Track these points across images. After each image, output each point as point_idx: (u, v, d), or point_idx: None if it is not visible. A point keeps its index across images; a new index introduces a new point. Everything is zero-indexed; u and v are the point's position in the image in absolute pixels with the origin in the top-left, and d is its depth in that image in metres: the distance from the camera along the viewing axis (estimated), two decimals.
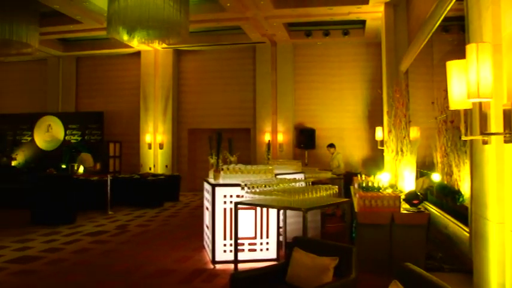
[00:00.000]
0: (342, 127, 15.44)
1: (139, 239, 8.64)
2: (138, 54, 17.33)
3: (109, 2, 10.13)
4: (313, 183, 6.66)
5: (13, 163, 17.16)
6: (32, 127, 18.08)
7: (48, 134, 17.84)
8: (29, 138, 18.16)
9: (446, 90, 3.75)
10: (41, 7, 12.67)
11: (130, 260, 7.03)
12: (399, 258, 5.55)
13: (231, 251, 6.52)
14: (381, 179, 7.69)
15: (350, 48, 15.69)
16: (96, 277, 6.14)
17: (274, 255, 6.77)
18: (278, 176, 7.02)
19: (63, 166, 15.38)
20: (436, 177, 6.90)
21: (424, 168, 8.46)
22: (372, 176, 8.16)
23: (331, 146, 13.23)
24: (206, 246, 7.37)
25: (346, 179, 11.03)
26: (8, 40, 11.92)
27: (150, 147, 16.85)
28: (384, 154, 9.98)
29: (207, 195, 7.12)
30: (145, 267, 6.55)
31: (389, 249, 5.91)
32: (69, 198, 10.36)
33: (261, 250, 6.76)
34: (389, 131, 9.11)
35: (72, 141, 17.35)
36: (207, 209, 7.14)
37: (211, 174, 7.14)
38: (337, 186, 6.10)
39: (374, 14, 12.60)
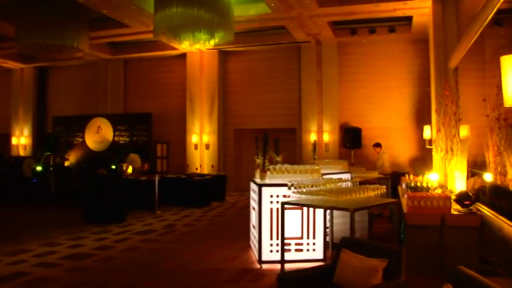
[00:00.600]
0: (389, 126, 15.15)
1: (187, 238, 8.77)
2: (184, 56, 17.59)
3: (155, 6, 10.35)
4: (360, 183, 6.56)
5: (66, 163, 17.75)
6: (83, 129, 18.67)
7: (98, 135, 18.38)
8: (80, 140, 18.76)
9: (499, 87, 3.63)
10: (90, 13, 13.07)
11: (178, 258, 7.15)
12: (450, 261, 5.40)
13: (277, 251, 6.52)
14: (430, 179, 7.51)
15: (396, 45, 15.38)
16: (144, 275, 6.27)
17: (320, 256, 6.73)
18: (324, 176, 6.96)
19: (113, 166, 15.77)
20: (489, 177, 6.67)
21: (475, 167, 8.20)
22: (420, 176, 7.98)
23: (377, 145, 13.02)
24: (252, 245, 7.40)
25: (393, 179, 10.82)
26: (61, 45, 12.38)
27: (196, 148, 17.07)
28: (433, 153, 9.73)
29: (254, 195, 7.14)
30: (193, 266, 6.64)
31: (440, 252, 5.76)
32: (119, 197, 10.65)
33: (308, 250, 6.73)
34: (438, 130, 8.88)
35: (120, 142, 17.80)
36: (254, 208, 7.16)
37: (257, 174, 7.16)
38: (384, 187, 6.00)
39: (421, 9, 12.30)
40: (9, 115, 20.78)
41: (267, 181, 6.71)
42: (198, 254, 7.43)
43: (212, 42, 11.22)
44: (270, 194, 6.60)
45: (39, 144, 18.64)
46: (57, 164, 15.96)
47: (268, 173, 6.78)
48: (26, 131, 20.36)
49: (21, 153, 19.99)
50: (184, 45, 12.36)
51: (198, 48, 16.29)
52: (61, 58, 14.55)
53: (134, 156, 14.93)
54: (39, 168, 14.58)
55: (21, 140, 20.36)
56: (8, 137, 20.82)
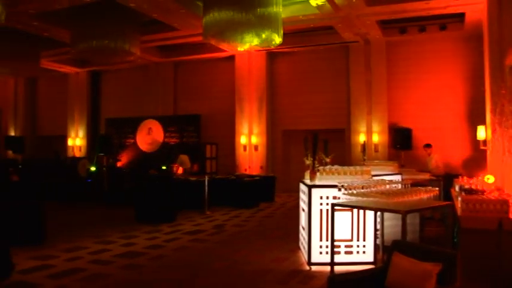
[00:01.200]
0: (440, 126, 14.74)
1: (236, 239, 8.84)
2: (232, 58, 17.75)
3: (204, 9, 10.49)
4: (412, 185, 6.43)
5: (118, 164, 18.25)
6: (135, 130, 19.16)
7: (149, 136, 18.81)
8: (132, 141, 19.26)
9: None
10: (141, 17, 13.39)
11: (227, 258, 7.22)
12: (508, 268, 5.20)
13: (327, 252, 6.48)
14: (485, 181, 7.26)
15: (448, 43, 14.96)
16: (194, 274, 6.37)
17: (371, 259, 6.64)
18: (375, 178, 6.86)
19: (163, 167, 16.09)
20: None
21: None
22: (475, 178, 7.73)
23: (428, 146, 12.70)
24: (302, 247, 7.38)
25: (446, 181, 10.52)
26: (114, 49, 12.74)
27: (245, 149, 17.18)
28: (488, 154, 9.41)
29: (303, 196, 7.13)
30: (242, 267, 6.69)
31: (498, 258, 5.55)
32: (170, 198, 10.86)
33: (358, 253, 6.66)
34: (494, 130, 8.58)
35: (170, 143, 18.15)
36: (303, 210, 7.15)
37: (307, 175, 7.13)
38: (437, 189, 5.85)
39: (475, 5, 11.91)
40: (66, 117, 21.59)
41: (317, 182, 6.68)
42: (247, 254, 7.48)
43: (260, 44, 11.28)
44: (319, 195, 6.57)
45: (93, 145, 19.27)
46: (110, 164, 16.42)
47: (318, 174, 6.75)
48: (81, 133, 21.08)
49: (77, 154, 20.72)
50: (233, 48, 12.47)
51: (247, 50, 16.37)
52: (113, 62, 15.00)
53: (184, 157, 15.12)
54: (93, 168, 15.06)
55: (77, 141, 21.10)
56: (64, 138, 21.64)
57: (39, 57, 16.02)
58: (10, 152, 20.26)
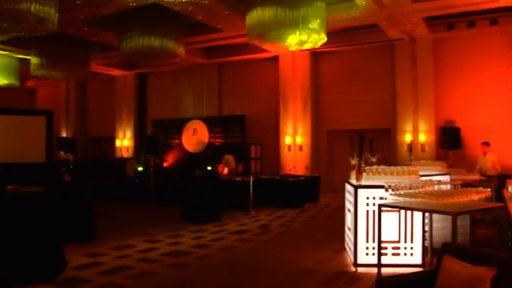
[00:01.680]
0: (492, 125, 14.23)
1: (281, 239, 8.84)
2: (276, 58, 17.74)
3: (247, 9, 10.53)
4: (461, 185, 6.24)
5: (164, 164, 18.58)
6: (180, 131, 19.45)
7: (195, 137, 19.05)
8: (178, 141, 19.56)
9: None
10: (186, 19, 13.58)
11: (272, 258, 7.21)
12: None
13: (373, 254, 6.38)
14: None
15: (499, 38, 14.44)
16: (240, 273, 6.40)
17: (419, 261, 6.48)
18: (422, 178, 6.70)
19: (209, 168, 16.26)
20: None
21: None
22: None
23: (486, 144, 12.13)
24: (348, 248, 7.30)
25: (498, 181, 10.14)
26: (160, 52, 12.98)
27: (289, 149, 17.14)
28: None
29: (349, 197, 7.05)
30: (287, 267, 6.67)
31: None
32: (215, 198, 10.95)
33: (405, 255, 6.52)
34: None
35: (216, 143, 18.32)
36: (349, 210, 7.06)
37: (353, 175, 7.04)
38: (489, 190, 5.66)
39: None
40: (114, 119, 22.16)
41: (363, 182, 6.59)
42: (292, 254, 7.46)
43: (304, 43, 11.23)
44: (366, 195, 6.47)
45: (140, 146, 19.69)
46: (156, 164, 16.76)
47: (364, 174, 6.65)
48: (129, 134, 21.58)
49: (124, 154, 21.22)
50: (277, 48, 12.48)
51: (291, 50, 16.33)
52: (159, 64, 15.26)
53: (229, 158, 15.27)
54: (140, 168, 15.40)
55: (124, 142, 21.61)
56: (112, 139, 22.21)
57: (89, 61, 16.50)
58: (62, 153, 20.95)
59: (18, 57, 18.08)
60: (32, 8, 9.41)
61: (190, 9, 12.37)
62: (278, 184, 13.65)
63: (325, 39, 10.70)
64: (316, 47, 11.92)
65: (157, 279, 6.14)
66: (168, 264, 6.89)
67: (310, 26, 9.92)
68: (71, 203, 8.31)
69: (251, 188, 12.28)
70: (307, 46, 11.31)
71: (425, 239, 6.70)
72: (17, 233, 5.78)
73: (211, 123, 18.78)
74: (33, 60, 15.24)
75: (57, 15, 10.15)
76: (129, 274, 6.31)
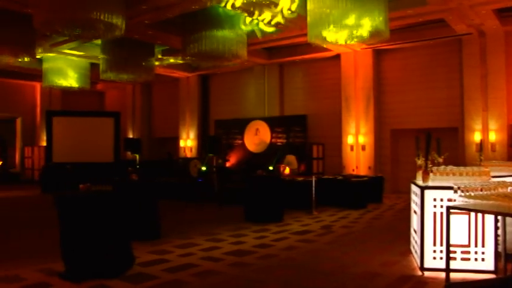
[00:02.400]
0: None
1: (344, 240, 8.70)
2: (337, 56, 17.56)
3: (308, 8, 10.45)
4: None
5: (227, 164, 18.81)
6: (243, 131, 19.63)
7: (257, 137, 19.17)
8: (240, 142, 19.75)
9: None
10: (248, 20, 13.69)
11: (335, 260, 7.12)
12: None
13: (441, 258, 6.14)
14: None
15: None
16: (302, 274, 6.35)
17: (491, 267, 6.17)
18: (494, 179, 6.39)
19: (270, 167, 16.31)
20: None
21: None
22: None
23: None
24: (413, 251, 7.07)
25: None
26: (222, 53, 13.17)
27: (352, 149, 16.90)
28: None
29: (415, 198, 6.83)
30: (351, 269, 6.56)
31: None
32: (278, 197, 10.96)
33: (476, 260, 6.22)
34: None
35: (277, 143, 18.34)
36: (415, 212, 6.85)
37: (419, 176, 6.82)
38: None
39: None
40: (177, 120, 22.71)
41: (430, 183, 6.37)
42: (356, 256, 7.33)
43: (366, 41, 11.04)
44: (433, 197, 6.24)
45: (203, 146, 20.04)
46: (219, 164, 16.98)
47: (431, 174, 6.43)
48: (192, 134, 22.04)
49: (188, 154, 21.70)
50: (338, 46, 12.31)
51: (352, 48, 16.11)
52: (222, 65, 15.49)
53: (291, 158, 15.26)
54: (203, 168, 15.66)
55: (188, 142, 22.09)
56: (176, 140, 22.77)
57: (154, 64, 16.98)
58: (129, 153, 21.70)
59: (89, 62, 18.92)
60: (102, 16, 9.82)
61: (251, 9, 12.44)
62: (341, 184, 13.48)
63: (388, 36, 10.43)
64: (379, 44, 11.68)
65: (221, 278, 6.21)
66: (231, 263, 6.95)
67: (371, 24, 9.71)
68: (138, 202, 8.57)
69: (313, 188, 12.19)
70: (369, 43, 11.09)
71: (498, 244, 6.38)
72: (90, 229, 6.03)
73: (273, 123, 18.84)
74: (102, 64, 15.88)
75: (124, 21, 10.54)
76: (193, 272, 6.41)
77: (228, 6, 11.40)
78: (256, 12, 11.96)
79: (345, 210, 12.61)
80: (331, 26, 9.86)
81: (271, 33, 13.63)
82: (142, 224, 8.52)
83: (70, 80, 18.53)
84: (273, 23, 12.61)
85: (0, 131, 25.26)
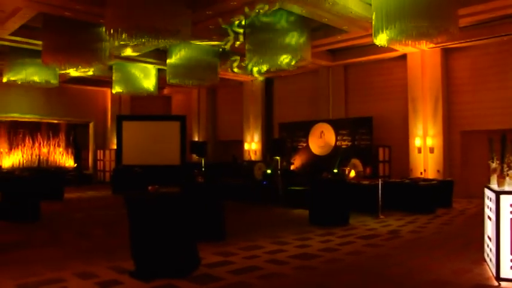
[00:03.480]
0: None
1: (412, 246, 8.45)
2: (403, 57, 17.11)
3: (373, 8, 10.27)
4: None
5: (291, 167, 18.79)
6: (307, 134, 19.56)
7: (321, 140, 19.03)
8: (304, 144, 19.68)
9: None
10: (311, 22, 13.63)
11: (403, 266, 6.93)
12: None
13: None
14: None
15: None
16: (369, 280, 6.23)
17: None
18: None
19: (335, 170, 16.14)
20: None
21: None
22: None
23: None
24: (488, 259, 6.75)
25: None
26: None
27: (419, 151, 16.39)
28: None
29: (489, 203, 6.52)
30: (419, 276, 6.35)
31: None
32: (343, 201, 10.82)
33: None
34: None
35: (342, 146, 18.12)
36: (489, 218, 6.53)
37: (493, 180, 6.50)
38: None
39: None
40: (241, 123, 22.95)
41: (506, 188, 6.05)
42: (425, 263, 7.09)
43: (434, 39, 10.71)
44: (510, 202, 5.93)
45: (267, 149, 20.13)
46: (284, 167, 16.98)
47: (507, 178, 6.11)
48: (256, 137, 22.19)
49: (252, 157, 21.86)
50: (405, 46, 12.01)
51: (419, 47, 15.64)
52: (286, 68, 15.49)
53: (356, 161, 15.07)
54: (268, 171, 15.74)
55: (252, 145, 22.27)
56: (241, 143, 23.01)
57: (219, 68, 17.25)
58: (194, 156, 22.16)
59: (156, 68, 19.53)
60: (168, 23, 10.11)
61: (316, 12, 12.40)
62: (408, 188, 13.11)
63: (457, 34, 10.04)
64: (447, 43, 11.25)
65: (286, 281, 6.20)
66: (296, 266, 6.92)
67: (439, 21, 9.40)
68: (204, 204, 8.74)
69: (380, 191, 11.94)
70: (437, 41, 10.73)
71: None
72: (158, 229, 6.21)
73: (337, 125, 18.63)
74: (169, 69, 16.34)
75: (189, 27, 10.79)
76: (258, 274, 6.45)
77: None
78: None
79: (413, 214, 12.25)
80: (398, 26, 9.62)
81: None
82: (207, 226, 8.67)
83: (138, 85, 19.19)
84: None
85: (75, 135, 26.59)
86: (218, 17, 12.90)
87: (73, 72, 14.60)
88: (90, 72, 14.29)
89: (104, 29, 10.84)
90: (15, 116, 23.10)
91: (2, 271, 6.60)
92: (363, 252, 7.93)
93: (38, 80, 16.98)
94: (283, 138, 19.72)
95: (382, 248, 8.26)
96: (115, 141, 24.08)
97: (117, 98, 25.28)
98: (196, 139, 25.06)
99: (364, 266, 7.00)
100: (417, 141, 16.44)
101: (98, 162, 25.54)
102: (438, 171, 15.92)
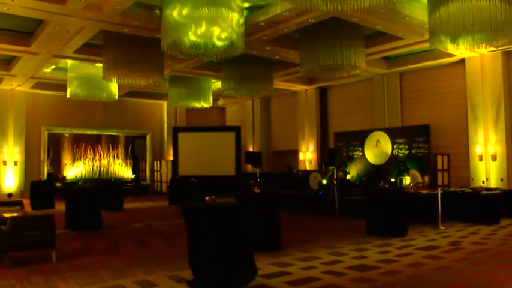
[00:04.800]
0: None
1: (476, 258, 8.12)
2: (462, 62, 16.58)
3: (429, 14, 10.05)
4: None
5: (347, 177, 18.56)
6: (363, 143, 19.30)
7: (377, 148, 18.72)
8: (360, 154, 19.42)
9: None
10: (364, 30, 13.50)
11: (466, 280, 6.67)
12: None
13: None
14: None
15: None
16: None
17: None
18: None
19: (392, 180, 15.83)
20: None
21: None
22: None
23: None
24: None
25: None
26: (340, 64, 13.10)
27: (481, 159, 15.77)
28: None
29: None
30: None
31: None
32: (401, 211, 10.57)
33: None
34: None
35: (399, 155, 17.74)
36: None
37: None
38: None
39: None
40: (296, 133, 22.93)
41: None
42: (490, 277, 6.80)
43: (495, 43, 10.35)
44: None
45: (323, 158, 20.00)
46: (339, 177, 16.81)
47: None
48: (311, 147, 22.09)
49: (307, 167, 21.76)
50: (463, 51, 11.66)
51: (479, 51, 15.12)
52: (340, 77, 15.43)
53: (414, 171, 14.79)
54: (324, 181, 15.62)
55: (307, 155, 22.17)
56: (296, 152, 22.97)
57: (272, 78, 17.35)
58: (249, 166, 22.32)
59: (211, 80, 19.88)
60: (222, 35, 10.29)
61: (368, 19, 12.27)
62: (469, 197, 12.65)
63: None
64: (508, 46, 10.83)
65: None
66: (354, 278, 6.81)
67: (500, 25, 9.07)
68: (260, 214, 8.77)
69: (439, 201, 11.58)
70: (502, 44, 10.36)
71: None
72: (216, 239, 6.29)
73: (394, 133, 18.29)
74: (223, 81, 16.58)
75: (243, 38, 10.93)
76: (315, 286, 6.39)
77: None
78: None
79: (475, 225, 11.80)
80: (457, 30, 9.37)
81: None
82: (263, 236, 8.69)
83: (193, 97, 19.57)
84: None
85: (133, 147, 27.44)
86: (271, 28, 13.02)
87: (132, 84, 15.12)
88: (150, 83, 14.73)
89: (161, 43, 11.13)
90: (78, 130, 24.16)
91: (68, 278, 6.89)
92: (423, 264, 7.70)
93: (99, 95, 17.67)
94: (338, 147, 19.54)
95: (443, 260, 7.99)
96: (171, 152, 24.64)
97: (173, 110, 25.87)
98: (251, 149, 25.23)
99: (425, 278, 6.80)
100: (478, 149, 15.83)
101: (155, 173, 26.19)
102: (501, 179, 15.26)
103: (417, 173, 14.97)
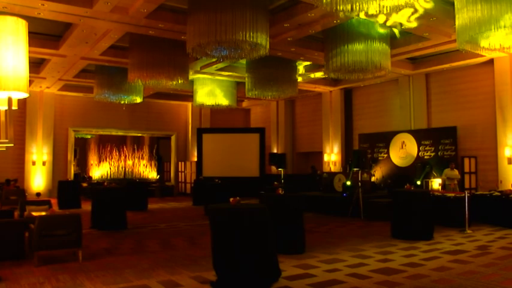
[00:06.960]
0: None
1: (504, 263, 7.94)
2: (490, 62, 16.26)
3: (456, 13, 9.87)
4: None
5: (372, 179, 18.40)
6: (388, 145, 19.10)
7: (403, 150, 18.52)
8: (385, 156, 19.23)
9: None
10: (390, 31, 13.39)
11: (494, 285, 6.53)
12: None
13: None
14: None
15: None
16: None
17: None
18: None
19: (418, 182, 15.63)
20: None
21: None
22: None
23: None
24: None
25: None
26: (365, 66, 13.01)
27: (509, 162, 15.43)
28: None
29: None
30: None
31: None
32: (427, 214, 10.42)
33: None
34: None
35: (425, 157, 17.51)
36: None
37: None
38: None
39: None
40: (320, 134, 22.84)
41: None
42: None
43: None
44: None
45: (347, 160, 19.87)
46: (364, 179, 16.67)
47: None
48: (336, 148, 21.97)
49: (332, 169, 21.64)
50: (492, 51, 11.42)
51: (508, 52, 14.80)
52: (365, 78, 15.32)
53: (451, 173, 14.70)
54: (348, 183, 15.51)
55: (332, 156, 22.06)
56: (320, 154, 22.88)
57: (296, 80, 17.31)
58: (273, 168, 22.29)
59: (235, 81, 19.94)
60: (248, 36, 10.32)
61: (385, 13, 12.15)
62: (498, 201, 12.39)
63: None
64: None
65: None
66: (379, 281, 6.74)
67: None
68: (284, 215, 8.76)
69: (466, 204, 11.38)
70: None
71: None
72: (240, 241, 6.30)
73: (419, 135, 18.06)
74: (248, 82, 16.61)
75: (268, 39, 10.95)
76: None
77: (362, 15, 11.17)
78: (394, 14, 11.56)
79: (503, 229, 11.55)
80: (485, 29, 9.18)
81: (414, 28, 12.85)
82: (287, 238, 8.67)
83: (218, 99, 19.67)
84: (412, 18, 12.07)
85: (158, 148, 27.71)
86: (296, 30, 13.00)
87: (159, 86, 15.27)
88: (174, 84, 14.83)
89: (186, 45, 11.23)
90: (104, 131, 24.51)
91: (94, 276, 7.00)
92: (449, 268, 7.57)
93: (125, 97, 17.88)
94: (363, 149, 19.38)
95: (471, 264, 7.84)
96: (196, 153, 24.78)
97: (197, 111, 26.03)
98: (275, 151, 25.21)
99: (452, 283, 6.68)
100: (507, 151, 15.49)
101: (180, 173, 26.39)
102: None
103: (456, 171, 14.89)
